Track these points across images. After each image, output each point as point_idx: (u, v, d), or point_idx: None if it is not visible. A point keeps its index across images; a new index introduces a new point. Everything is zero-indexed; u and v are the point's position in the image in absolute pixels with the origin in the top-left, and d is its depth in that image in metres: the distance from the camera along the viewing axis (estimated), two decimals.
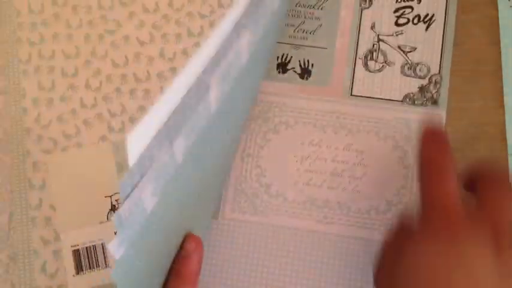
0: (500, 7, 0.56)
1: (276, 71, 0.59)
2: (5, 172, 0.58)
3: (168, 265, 0.44)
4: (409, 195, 0.55)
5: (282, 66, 0.59)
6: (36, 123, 0.59)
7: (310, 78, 0.59)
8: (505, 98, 0.55)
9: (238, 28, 0.38)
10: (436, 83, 0.57)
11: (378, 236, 0.55)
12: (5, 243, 0.57)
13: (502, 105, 0.55)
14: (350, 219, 0.56)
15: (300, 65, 0.59)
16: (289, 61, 0.59)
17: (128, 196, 0.30)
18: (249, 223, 0.56)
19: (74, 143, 0.59)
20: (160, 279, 0.44)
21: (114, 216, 0.30)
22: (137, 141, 0.28)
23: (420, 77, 0.57)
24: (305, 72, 0.59)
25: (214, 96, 0.37)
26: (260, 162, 0.57)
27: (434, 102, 0.56)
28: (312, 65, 0.59)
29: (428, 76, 0.57)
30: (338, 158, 0.57)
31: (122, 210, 0.30)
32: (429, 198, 0.44)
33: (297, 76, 0.59)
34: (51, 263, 0.57)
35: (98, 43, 0.60)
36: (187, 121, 0.34)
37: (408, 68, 0.57)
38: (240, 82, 0.42)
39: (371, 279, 0.54)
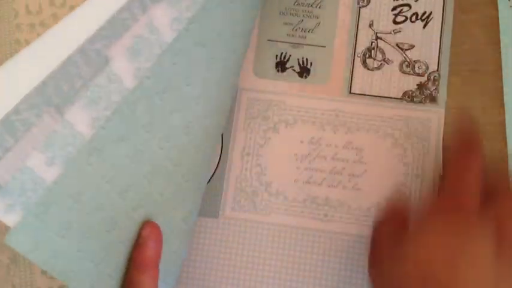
0: (500, 7, 0.56)
1: (274, 70, 0.59)
2: None
3: (125, 254, 0.44)
4: (409, 193, 0.55)
5: (281, 65, 0.59)
6: None
7: (309, 77, 0.59)
8: (505, 98, 0.55)
9: (142, 3, 0.38)
10: (434, 80, 0.57)
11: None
12: (5, 244, 0.57)
13: (502, 105, 0.55)
14: (350, 217, 0.56)
15: (299, 64, 0.59)
16: (288, 60, 0.59)
17: None
18: (250, 222, 0.57)
19: None
20: (117, 266, 0.43)
21: None
22: None
23: (419, 75, 0.57)
24: (304, 71, 0.59)
25: (123, 70, 0.37)
26: (260, 160, 0.57)
27: (433, 99, 0.57)
28: (311, 63, 0.59)
29: (427, 73, 0.57)
30: (338, 156, 0.57)
31: None
32: (451, 183, 0.48)
33: (296, 75, 0.59)
34: None
35: None
36: (80, 92, 0.34)
37: (407, 65, 0.58)
38: (173, 60, 0.42)
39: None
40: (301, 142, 0.57)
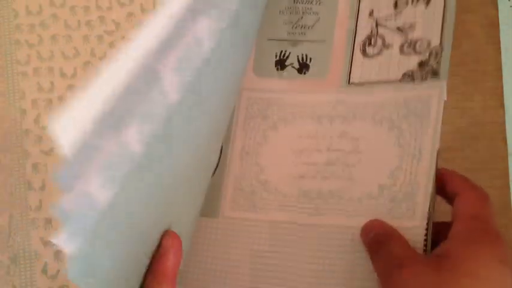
0: (500, 7, 0.56)
1: (274, 68, 0.58)
2: (5, 174, 0.58)
3: (146, 264, 0.43)
4: (404, 177, 0.54)
5: (281, 63, 0.59)
6: (36, 125, 0.59)
7: (308, 72, 0.58)
8: (505, 98, 0.55)
9: (193, 14, 0.37)
10: (436, 54, 0.55)
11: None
12: (5, 245, 0.58)
13: (502, 105, 0.55)
14: (341, 208, 0.55)
15: (298, 60, 0.58)
16: (287, 57, 0.59)
17: (69, 188, 0.30)
18: (248, 221, 0.56)
19: None
20: (139, 279, 0.43)
21: (54, 208, 0.29)
22: (70, 126, 0.28)
23: (420, 53, 0.55)
24: (303, 67, 0.58)
25: (170, 85, 0.37)
26: (259, 159, 0.57)
27: (435, 73, 0.54)
28: (310, 59, 0.58)
29: (429, 50, 0.56)
30: (333, 147, 0.56)
31: (64, 202, 0.30)
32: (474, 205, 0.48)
33: (295, 71, 0.58)
34: (52, 264, 0.57)
35: (97, 44, 0.60)
36: (136, 109, 0.34)
37: (407, 46, 0.56)
38: (207, 72, 0.42)
39: (366, 268, 0.53)
40: (299, 138, 0.57)
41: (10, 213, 0.58)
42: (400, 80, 0.54)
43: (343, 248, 0.55)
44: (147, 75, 0.34)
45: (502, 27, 0.56)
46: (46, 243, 0.57)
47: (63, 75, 0.60)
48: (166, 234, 0.44)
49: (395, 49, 0.55)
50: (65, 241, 0.30)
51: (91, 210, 0.32)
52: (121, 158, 0.33)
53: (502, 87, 0.55)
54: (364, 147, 0.54)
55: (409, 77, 0.54)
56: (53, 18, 0.60)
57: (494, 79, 0.56)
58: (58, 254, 0.57)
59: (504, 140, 0.54)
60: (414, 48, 0.55)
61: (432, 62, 0.54)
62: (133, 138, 0.34)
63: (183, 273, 0.56)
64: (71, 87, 0.59)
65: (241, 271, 0.56)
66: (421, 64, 0.54)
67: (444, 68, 0.53)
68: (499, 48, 0.56)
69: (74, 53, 0.60)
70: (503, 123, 0.55)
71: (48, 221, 0.57)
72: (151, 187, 0.39)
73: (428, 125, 0.54)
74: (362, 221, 0.53)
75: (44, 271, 0.57)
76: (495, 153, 0.55)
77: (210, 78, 0.43)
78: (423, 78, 0.53)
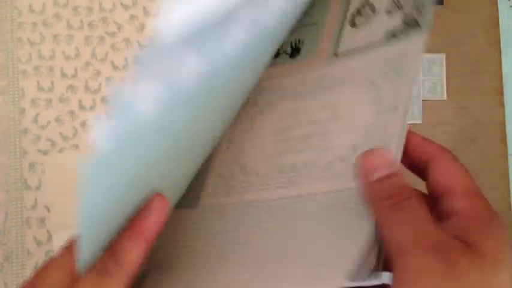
0: (500, 7, 0.56)
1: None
2: (2, 172, 0.58)
3: (124, 220, 0.38)
4: (377, 134, 0.49)
5: (276, 53, 0.59)
6: (34, 124, 0.59)
7: (299, 56, 0.58)
8: (505, 98, 0.54)
9: None
10: (419, 4, 0.53)
11: (339, 185, 0.50)
12: (0, 243, 0.57)
13: (501, 105, 0.55)
14: (312, 175, 0.52)
15: (292, 46, 0.58)
16: (282, 45, 0.59)
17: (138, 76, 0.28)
18: (225, 205, 0.55)
19: (71, 144, 0.59)
20: (113, 231, 0.37)
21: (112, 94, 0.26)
22: (177, 18, 0.27)
23: (404, 8, 0.54)
24: (295, 51, 0.58)
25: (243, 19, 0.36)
26: (242, 145, 0.56)
27: (415, 23, 0.52)
28: (303, 42, 0.58)
29: (413, 1, 0.54)
30: (312, 120, 0.55)
31: (126, 87, 0.27)
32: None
33: (287, 56, 0.58)
34: None
35: (98, 45, 0.60)
36: (219, 26, 0.33)
37: (393, 4, 0.55)
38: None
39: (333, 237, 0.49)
40: (282, 117, 0.56)
41: (6, 212, 0.57)
42: (383, 40, 0.53)
43: (308, 217, 0.53)
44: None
45: (502, 27, 0.55)
46: (39, 243, 0.57)
47: (63, 75, 0.60)
48: (156, 195, 0.40)
49: (382, 11, 0.54)
50: (102, 136, 0.26)
51: (131, 115, 0.29)
52: (179, 78, 0.31)
53: (502, 87, 0.55)
54: (340, 112, 0.52)
55: (392, 35, 0.52)
56: (55, 18, 0.61)
57: (494, 79, 0.55)
58: (49, 253, 0.57)
59: (504, 140, 0.54)
60: (398, 5, 0.53)
61: (415, 14, 0.51)
62: (195, 60, 0.32)
63: (165, 269, 0.55)
64: (71, 87, 0.60)
65: (221, 256, 0.55)
66: (405, 18, 0.52)
67: (426, 17, 0.49)
68: (499, 48, 0.55)
69: (75, 53, 0.60)
70: (503, 123, 0.54)
71: (42, 220, 0.57)
72: (175, 136, 0.37)
73: (406, 77, 0.48)
74: (331, 186, 0.49)
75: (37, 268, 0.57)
76: (495, 153, 0.54)
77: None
78: (404, 32, 0.51)
